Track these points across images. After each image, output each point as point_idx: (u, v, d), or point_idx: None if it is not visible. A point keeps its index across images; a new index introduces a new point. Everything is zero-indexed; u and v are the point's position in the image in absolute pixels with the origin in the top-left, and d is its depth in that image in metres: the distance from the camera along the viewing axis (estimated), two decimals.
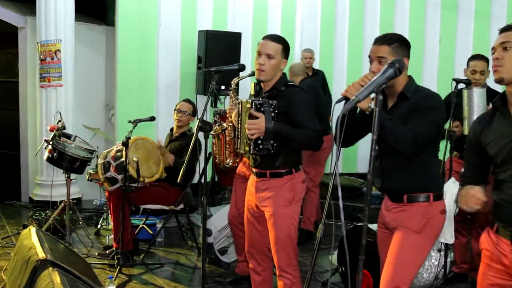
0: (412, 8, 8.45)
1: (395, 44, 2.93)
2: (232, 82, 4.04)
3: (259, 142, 3.45)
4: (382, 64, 2.86)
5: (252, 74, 4.04)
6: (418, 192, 2.96)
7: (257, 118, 3.42)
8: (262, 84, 3.67)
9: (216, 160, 4.22)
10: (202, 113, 3.56)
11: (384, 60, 2.87)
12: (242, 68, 4.01)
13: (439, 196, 3.00)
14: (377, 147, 3.05)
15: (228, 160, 4.27)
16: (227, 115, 4.11)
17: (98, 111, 7.98)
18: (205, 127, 3.55)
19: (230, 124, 4.18)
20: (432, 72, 8.44)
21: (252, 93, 3.80)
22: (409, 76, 2.99)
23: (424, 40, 8.44)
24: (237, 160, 4.32)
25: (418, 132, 2.78)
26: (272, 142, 3.46)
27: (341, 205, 2.38)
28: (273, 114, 3.44)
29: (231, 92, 4.26)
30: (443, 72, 8.33)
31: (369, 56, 2.99)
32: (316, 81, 6.89)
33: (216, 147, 4.57)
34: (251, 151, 3.50)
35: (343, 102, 2.71)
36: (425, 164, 2.96)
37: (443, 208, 3.01)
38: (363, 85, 2.79)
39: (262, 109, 3.43)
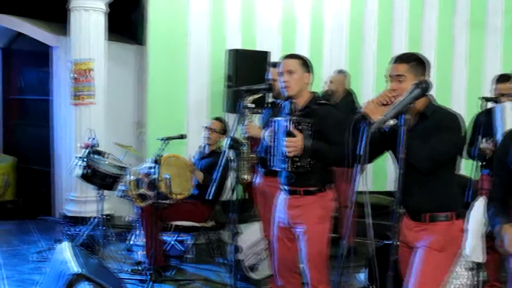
0: (440, 25, 8.41)
1: (413, 62, 2.99)
2: (247, 100, 4.11)
3: (296, 160, 3.52)
4: (401, 82, 2.93)
5: (267, 89, 4.13)
6: (439, 211, 2.98)
7: (294, 136, 3.50)
8: (294, 102, 3.74)
9: (234, 176, 4.31)
10: (232, 131, 3.64)
11: (403, 78, 2.94)
12: (271, 87, 4.11)
13: (460, 215, 3.03)
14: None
15: (245, 176, 4.35)
16: (247, 131, 4.19)
17: (129, 129, 8.10)
18: (235, 145, 3.63)
19: (247, 141, 4.26)
20: (460, 90, 8.39)
21: (287, 111, 3.88)
22: (429, 97, 3.01)
23: (452, 59, 8.40)
24: (255, 176, 4.40)
25: (435, 149, 2.82)
26: (309, 160, 3.53)
27: (370, 222, 2.44)
28: (310, 132, 3.51)
29: (247, 109, 4.29)
30: (472, 91, 8.25)
31: (387, 76, 3.05)
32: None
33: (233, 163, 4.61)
34: (289, 169, 3.57)
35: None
36: (445, 182, 2.98)
37: (463, 227, 3.04)
38: (381, 101, 2.88)
39: (299, 127, 3.51)
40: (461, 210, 3.07)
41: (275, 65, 4.40)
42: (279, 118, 3.65)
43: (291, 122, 3.52)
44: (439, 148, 2.83)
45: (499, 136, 4.31)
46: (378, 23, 8.35)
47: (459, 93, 8.33)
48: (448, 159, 2.93)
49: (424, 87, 2.52)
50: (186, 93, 7.60)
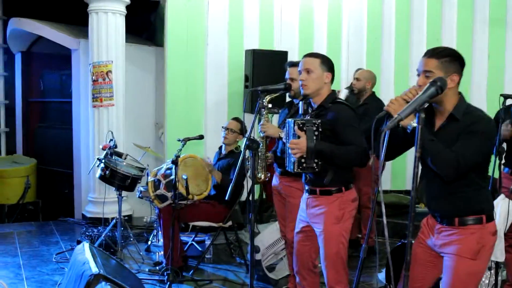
0: (460, 22, 8.35)
1: (445, 58, 2.84)
2: (264, 100, 4.11)
3: (303, 161, 3.53)
4: (429, 78, 2.78)
5: (284, 89, 4.13)
6: (469, 214, 2.88)
7: (299, 137, 3.51)
8: (312, 101, 3.74)
9: (248, 175, 4.32)
10: (249, 131, 3.65)
11: (431, 75, 2.80)
12: (289, 87, 4.11)
13: (490, 217, 2.92)
14: (421, 167, 3.07)
15: (260, 174, 4.36)
16: (262, 130, 4.20)
17: (148, 130, 8.16)
18: (252, 145, 3.63)
19: (263, 140, 4.28)
20: (481, 88, 8.31)
21: (301, 111, 3.88)
22: (460, 95, 2.91)
23: (472, 56, 8.32)
24: (268, 175, 4.40)
25: (461, 156, 2.71)
26: (316, 161, 3.53)
27: (384, 221, 2.42)
28: (316, 133, 3.50)
29: (264, 109, 4.28)
30: (492, 88, 8.19)
31: (417, 69, 2.92)
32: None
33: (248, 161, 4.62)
34: (295, 169, 3.58)
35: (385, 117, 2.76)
36: (475, 186, 2.88)
37: (495, 230, 2.94)
38: (406, 99, 2.77)
39: (304, 128, 3.51)
40: (492, 213, 2.95)
41: (293, 64, 4.40)
42: (290, 120, 3.66)
43: (295, 124, 3.54)
44: (465, 155, 2.71)
45: None
46: (396, 20, 8.31)
47: (479, 91, 8.26)
48: (475, 166, 2.80)
49: (439, 86, 2.44)
50: (204, 94, 7.62)
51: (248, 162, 4.02)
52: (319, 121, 3.54)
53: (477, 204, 2.88)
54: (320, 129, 3.52)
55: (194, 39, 7.49)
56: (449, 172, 2.73)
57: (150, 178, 5.51)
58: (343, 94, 5.69)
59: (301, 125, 3.52)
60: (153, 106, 8.21)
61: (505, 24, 8.35)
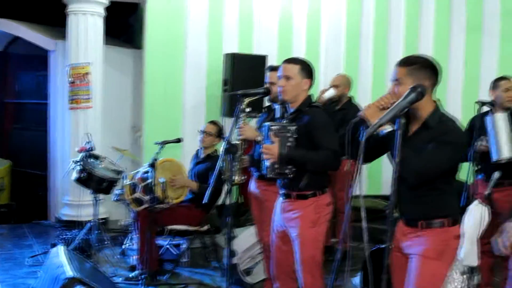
0: (437, 30, 8.43)
1: (414, 66, 2.89)
2: (242, 103, 4.12)
3: (276, 166, 3.56)
4: (399, 86, 2.87)
5: (264, 93, 4.14)
6: (434, 217, 2.93)
7: (273, 142, 3.54)
8: (286, 106, 3.77)
9: (223, 176, 4.33)
10: (228, 135, 3.65)
11: (400, 82, 2.87)
12: (268, 91, 4.12)
13: (455, 222, 2.98)
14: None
15: (236, 177, 4.36)
16: (241, 132, 4.20)
17: (125, 133, 8.12)
18: (231, 148, 3.64)
19: (241, 142, 4.26)
20: (456, 95, 8.39)
21: (278, 115, 3.90)
22: (436, 102, 2.95)
23: (448, 62, 8.41)
24: (243, 178, 4.40)
25: (427, 165, 2.78)
26: (290, 167, 3.56)
27: (364, 225, 2.44)
28: (290, 140, 3.52)
29: (241, 112, 4.28)
30: (468, 95, 8.27)
31: (391, 80, 3.00)
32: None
33: (224, 163, 4.58)
34: (268, 174, 3.61)
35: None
36: (440, 191, 2.94)
37: (458, 234, 3.00)
38: (378, 105, 2.87)
39: (278, 134, 3.53)
40: (457, 217, 3.03)
41: (273, 68, 4.41)
42: (267, 124, 3.68)
43: (269, 129, 3.56)
44: (430, 163, 2.78)
45: (493, 145, 4.33)
46: (375, 27, 8.37)
47: (455, 97, 8.34)
48: (443, 173, 2.87)
49: (419, 92, 2.50)
50: (182, 97, 7.61)
51: (224, 164, 4.02)
52: (294, 127, 3.56)
53: (441, 208, 2.94)
54: (295, 136, 3.54)
55: (173, 41, 7.48)
56: (412, 179, 2.80)
57: (127, 181, 5.48)
58: (329, 93, 5.71)
59: (275, 131, 3.54)
60: (131, 108, 8.18)
61: (481, 30, 8.46)
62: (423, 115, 2.90)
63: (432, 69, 2.94)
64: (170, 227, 5.72)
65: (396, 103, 2.48)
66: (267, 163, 3.58)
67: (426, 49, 8.19)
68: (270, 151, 3.52)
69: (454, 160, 2.91)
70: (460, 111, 7.81)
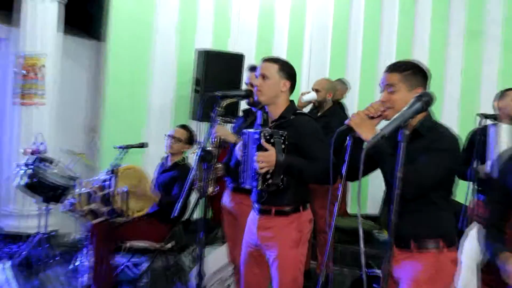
0: (433, 34, 8.52)
1: (407, 72, 3.00)
2: (219, 105, 4.10)
3: (268, 176, 3.51)
4: (393, 94, 2.96)
5: (247, 96, 4.13)
6: (428, 237, 2.94)
7: (266, 150, 3.49)
8: (269, 111, 3.74)
9: (194, 187, 4.29)
10: (204, 141, 3.62)
11: (394, 89, 2.97)
12: (250, 94, 4.10)
13: (451, 243, 2.98)
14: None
15: (208, 187, 4.32)
16: (216, 133, 4.17)
17: (81, 134, 8.00)
18: (207, 156, 3.60)
19: (215, 148, 4.22)
20: (453, 105, 8.48)
21: (260, 122, 3.86)
22: (427, 111, 2.96)
23: (445, 70, 8.51)
24: (216, 189, 4.36)
25: (421, 173, 2.82)
26: (282, 177, 3.53)
27: (362, 248, 2.41)
28: (283, 146, 3.51)
29: (218, 116, 4.24)
30: (466, 105, 8.37)
31: (380, 84, 3.06)
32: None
33: (196, 173, 4.51)
34: (259, 187, 3.55)
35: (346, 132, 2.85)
36: (435, 207, 2.96)
37: (455, 258, 3.00)
38: (367, 114, 2.92)
39: (272, 140, 3.50)
40: (454, 238, 3.03)
41: (253, 68, 4.40)
42: (250, 130, 3.66)
43: (262, 135, 3.52)
44: (425, 172, 2.82)
45: (492, 157, 4.36)
46: (365, 27, 8.44)
47: (451, 108, 8.42)
48: (438, 183, 2.90)
49: (426, 101, 2.52)
50: (148, 96, 7.55)
51: (197, 173, 3.97)
52: (285, 133, 3.55)
53: (436, 226, 2.96)
54: (286, 142, 3.53)
55: (139, 34, 7.43)
56: (407, 189, 2.76)
57: (83, 190, 5.38)
58: (309, 97, 5.71)
59: (268, 137, 3.51)
60: (89, 107, 8.07)
61: (481, 37, 8.56)
62: (413, 123, 2.94)
63: (423, 74, 3.05)
64: (129, 243, 5.62)
65: (400, 112, 2.49)
66: (254, 173, 3.53)
67: (421, 55, 8.27)
68: (267, 158, 3.48)
69: (450, 168, 2.94)
70: (456, 124, 7.90)
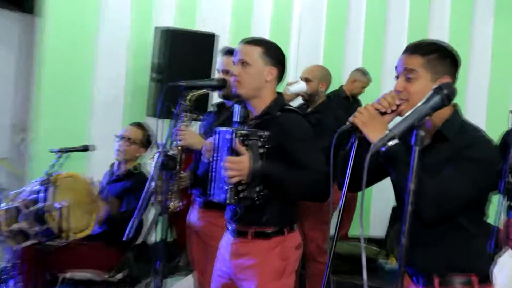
0: (454, 9, 8.60)
1: (433, 55, 2.92)
2: (186, 98, 4.10)
3: (241, 188, 3.50)
4: (411, 82, 2.89)
5: (219, 86, 4.14)
6: (455, 273, 2.91)
7: (239, 154, 3.48)
8: (250, 105, 3.74)
9: (153, 202, 4.29)
10: (165, 143, 3.61)
11: (414, 76, 2.89)
12: (223, 84, 4.10)
13: (485, 279, 2.95)
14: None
15: (171, 202, 4.32)
16: (180, 137, 4.17)
17: (4, 134, 7.96)
18: (169, 163, 3.59)
19: (178, 153, 4.22)
20: (479, 98, 8.54)
21: (238, 119, 3.86)
22: (454, 107, 2.96)
23: (470, 55, 8.57)
24: (181, 204, 4.37)
25: (448, 190, 2.74)
26: (258, 189, 3.51)
27: (364, 279, 2.41)
28: (262, 151, 3.50)
29: (184, 112, 4.27)
30: (496, 99, 8.44)
31: (396, 69, 3.00)
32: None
33: (155, 183, 4.49)
34: (228, 200, 3.54)
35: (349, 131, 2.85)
36: (465, 233, 2.92)
37: None
38: (379, 109, 2.87)
39: (247, 142, 3.49)
40: (488, 272, 2.99)
41: (228, 52, 4.40)
42: (222, 128, 3.65)
43: (235, 135, 3.50)
44: (453, 189, 2.75)
45: None
46: (368, 1, 8.48)
47: (477, 103, 8.49)
48: (466, 203, 2.83)
49: (446, 94, 2.47)
50: (91, 87, 7.51)
51: (156, 185, 3.97)
52: (267, 133, 3.53)
53: (466, 259, 2.92)
54: (267, 145, 3.52)
55: (84, 8, 7.40)
56: (430, 212, 2.76)
57: (9, 205, 5.35)
58: (297, 88, 5.74)
59: (243, 138, 3.50)
60: (15, 100, 8.03)
61: None
62: (436, 124, 2.91)
63: (453, 60, 2.98)
64: (69, 273, 5.61)
65: (415, 108, 2.46)
66: (225, 184, 3.52)
67: (439, 36, 8.29)
68: (238, 165, 3.46)
69: (483, 184, 2.86)
70: (483, 122, 7.97)
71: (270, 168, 3.51)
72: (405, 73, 2.92)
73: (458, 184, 2.75)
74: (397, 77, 2.97)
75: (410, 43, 3.03)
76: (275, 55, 3.74)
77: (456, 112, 2.94)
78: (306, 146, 3.61)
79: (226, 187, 3.52)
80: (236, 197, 3.51)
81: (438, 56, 2.92)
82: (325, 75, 6.30)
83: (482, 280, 2.92)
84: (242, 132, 3.51)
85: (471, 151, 2.78)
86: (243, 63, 3.68)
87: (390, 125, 2.62)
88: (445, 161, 2.81)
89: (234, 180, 3.47)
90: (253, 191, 3.51)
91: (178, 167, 4.21)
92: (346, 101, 7.90)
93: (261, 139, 3.51)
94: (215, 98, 4.77)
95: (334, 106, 6.34)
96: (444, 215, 2.79)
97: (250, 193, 3.52)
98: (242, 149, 3.47)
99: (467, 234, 2.92)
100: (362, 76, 8.00)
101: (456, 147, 2.81)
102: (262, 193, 3.54)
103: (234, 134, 3.50)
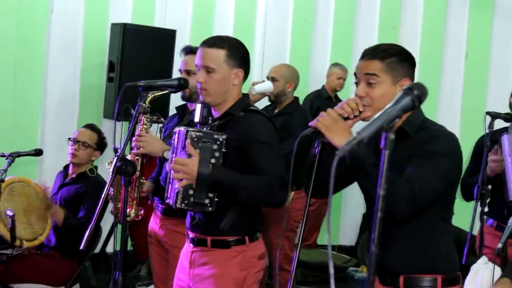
0: (428, 5, 8.66)
1: (391, 59, 3.04)
2: (145, 99, 4.08)
3: (191, 192, 3.51)
4: (373, 87, 3.00)
5: (180, 87, 4.14)
6: (421, 273, 2.98)
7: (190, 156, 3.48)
8: (213, 108, 3.75)
9: (112, 210, 4.27)
10: (123, 147, 3.61)
11: (375, 81, 3.01)
12: (185, 84, 4.11)
13: (451, 281, 3.03)
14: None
15: (131, 211, 4.31)
16: (139, 144, 4.18)
17: None
18: (126, 168, 3.59)
19: (137, 159, 4.22)
20: (453, 100, 8.59)
21: (199, 120, 3.85)
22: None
23: (443, 52, 8.63)
24: (141, 213, 4.36)
25: (416, 185, 2.84)
26: (211, 195, 3.51)
27: None
28: (217, 155, 3.48)
29: (144, 114, 4.23)
30: (470, 100, 8.50)
31: (355, 74, 3.11)
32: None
33: (112, 190, 4.46)
34: (177, 204, 3.54)
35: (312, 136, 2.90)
36: (431, 232, 3.01)
37: None
38: (342, 114, 2.94)
39: (200, 144, 3.48)
40: (455, 274, 3.08)
41: (191, 51, 4.40)
42: (182, 128, 3.62)
43: (186, 136, 3.50)
44: (421, 184, 2.84)
45: (509, 179, 4.46)
46: None
47: (451, 104, 8.55)
48: (435, 198, 2.93)
49: (416, 95, 2.50)
50: (43, 86, 7.50)
51: (114, 191, 3.97)
52: (224, 136, 3.53)
53: (433, 258, 3.01)
54: (223, 149, 3.51)
55: (31, 3, 7.36)
56: (402, 208, 2.84)
57: None
58: (262, 87, 5.77)
59: (195, 139, 3.50)
60: None
61: (493, 7, 8.70)
62: (397, 123, 2.90)
63: (410, 62, 3.12)
64: (18, 286, 5.59)
65: (384, 110, 2.50)
66: (177, 187, 3.53)
67: (411, 32, 8.39)
68: (185, 167, 3.45)
69: (450, 177, 2.99)
70: (457, 125, 8.05)
71: (221, 175, 3.48)
72: (366, 79, 3.04)
73: (426, 179, 2.87)
74: (356, 83, 3.09)
75: (365, 48, 3.14)
76: (240, 56, 3.72)
77: (417, 109, 2.97)
78: (265, 149, 3.59)
79: (176, 189, 3.53)
80: (186, 202, 3.52)
81: (397, 60, 3.06)
82: (292, 75, 6.31)
83: (448, 282, 3.02)
84: (195, 133, 3.50)
85: (434, 145, 2.94)
86: (207, 69, 3.65)
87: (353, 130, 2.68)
88: (408, 158, 2.92)
89: (183, 183, 3.48)
90: (203, 197, 3.50)
91: (138, 172, 4.21)
92: (328, 101, 7.94)
93: (217, 143, 3.50)
94: (178, 99, 4.74)
95: (302, 108, 6.37)
96: (415, 211, 2.88)
97: (198, 199, 3.50)
98: (192, 150, 3.46)
99: (431, 232, 3.03)
100: (334, 68, 8.06)
101: (418, 142, 2.95)
102: (215, 200, 3.52)
103: (187, 134, 3.50)
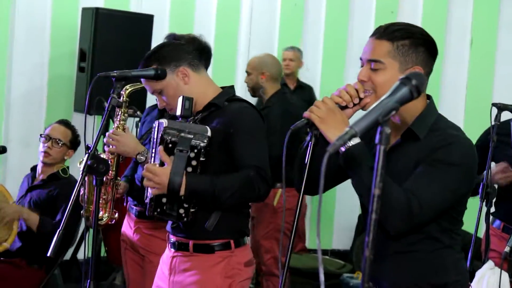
0: None
1: (403, 41, 2.86)
2: (117, 91, 4.08)
3: (164, 201, 3.52)
4: (377, 73, 2.84)
5: (157, 77, 4.15)
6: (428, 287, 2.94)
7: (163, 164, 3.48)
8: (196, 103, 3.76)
9: (82, 212, 4.27)
10: (94, 144, 3.61)
11: (380, 66, 2.84)
12: (162, 74, 4.11)
13: None
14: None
15: (103, 214, 4.31)
16: (113, 142, 4.16)
17: None
18: (98, 166, 3.59)
19: (111, 158, 4.21)
20: (456, 91, 8.63)
21: (181, 112, 3.85)
22: (428, 99, 2.93)
23: (445, 40, 8.66)
24: (116, 216, 4.36)
25: (416, 198, 2.71)
26: (185, 205, 3.51)
27: None
28: (194, 164, 3.48)
29: (118, 108, 4.25)
30: (475, 91, 8.54)
31: (360, 57, 2.95)
32: (298, 101, 7.07)
33: (83, 190, 4.45)
34: (149, 212, 3.58)
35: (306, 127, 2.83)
36: (438, 242, 2.92)
37: None
38: (339, 103, 2.82)
39: (175, 149, 3.47)
40: (465, 286, 3.01)
41: (174, 39, 4.42)
42: (162, 121, 3.62)
43: (162, 138, 3.51)
44: (423, 197, 2.72)
45: None
46: None
47: (454, 95, 8.58)
48: (439, 212, 2.82)
49: (414, 85, 2.44)
50: (7, 78, 7.51)
51: (85, 192, 3.97)
52: (202, 145, 3.51)
53: (439, 273, 2.93)
54: (202, 157, 3.49)
55: None
56: (396, 223, 2.74)
57: None
58: None
59: (170, 144, 3.50)
60: None
61: None
62: (407, 119, 2.88)
63: (427, 50, 2.92)
64: None
65: (379, 101, 2.45)
66: (150, 193, 3.54)
67: (410, 18, 8.41)
68: (155, 177, 3.46)
69: (459, 192, 2.86)
70: (461, 118, 8.08)
71: (196, 183, 3.48)
72: (370, 63, 2.87)
73: (432, 192, 2.74)
74: (362, 65, 2.93)
75: (378, 26, 2.97)
76: (170, 57, 3.80)
77: (430, 106, 2.92)
78: (247, 139, 3.61)
79: (149, 196, 3.55)
80: (158, 210, 3.54)
81: (410, 43, 2.86)
82: (264, 64, 6.29)
83: None
84: (170, 138, 3.49)
85: (446, 153, 2.78)
86: (159, 93, 3.77)
87: (351, 121, 2.50)
88: (415, 164, 2.80)
89: (155, 192, 3.49)
90: (175, 208, 3.52)
91: (113, 172, 4.20)
92: (288, 89, 7.96)
93: (194, 151, 3.49)
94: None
95: (284, 99, 6.35)
96: (412, 227, 2.77)
97: (172, 210, 3.52)
98: (165, 157, 3.47)
99: (440, 245, 2.91)
100: (292, 53, 8.18)
101: (428, 147, 2.80)
102: (191, 210, 3.53)
103: (163, 134, 3.51)
